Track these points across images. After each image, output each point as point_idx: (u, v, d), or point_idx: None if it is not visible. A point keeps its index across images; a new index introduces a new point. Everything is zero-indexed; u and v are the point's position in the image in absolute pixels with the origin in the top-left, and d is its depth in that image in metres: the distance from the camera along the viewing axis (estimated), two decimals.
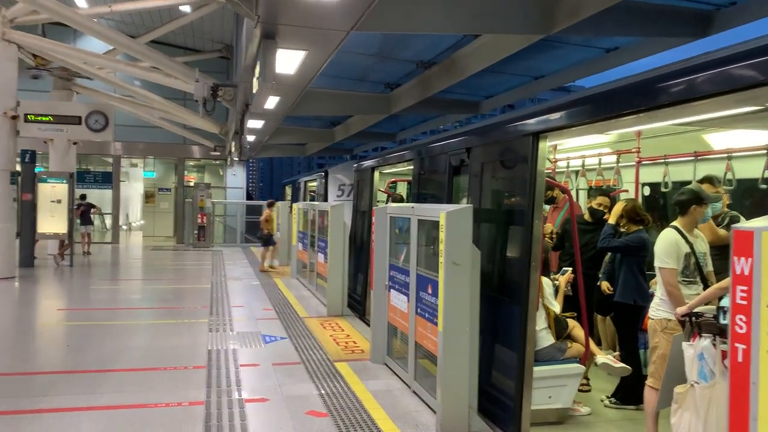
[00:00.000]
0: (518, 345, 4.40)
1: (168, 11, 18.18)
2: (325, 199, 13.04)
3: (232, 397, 5.28)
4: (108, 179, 22.85)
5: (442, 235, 4.47)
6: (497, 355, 4.69)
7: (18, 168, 13.82)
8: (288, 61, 6.49)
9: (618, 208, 5.37)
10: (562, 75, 9.55)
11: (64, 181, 14.91)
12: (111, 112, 13.35)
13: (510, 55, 7.35)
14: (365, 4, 4.90)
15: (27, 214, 14.13)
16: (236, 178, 24.48)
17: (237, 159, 21.40)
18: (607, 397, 5.32)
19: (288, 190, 22.14)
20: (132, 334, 7.93)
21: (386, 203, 9.07)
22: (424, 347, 5.21)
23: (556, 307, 5.22)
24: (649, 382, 4.32)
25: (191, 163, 26.94)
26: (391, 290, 6.16)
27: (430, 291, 4.99)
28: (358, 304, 9.42)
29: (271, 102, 7.76)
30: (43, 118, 12.78)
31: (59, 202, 14.82)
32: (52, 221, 14.78)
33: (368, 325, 8.66)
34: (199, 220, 21.69)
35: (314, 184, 17.02)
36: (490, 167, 5.15)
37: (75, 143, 17.64)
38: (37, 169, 15.08)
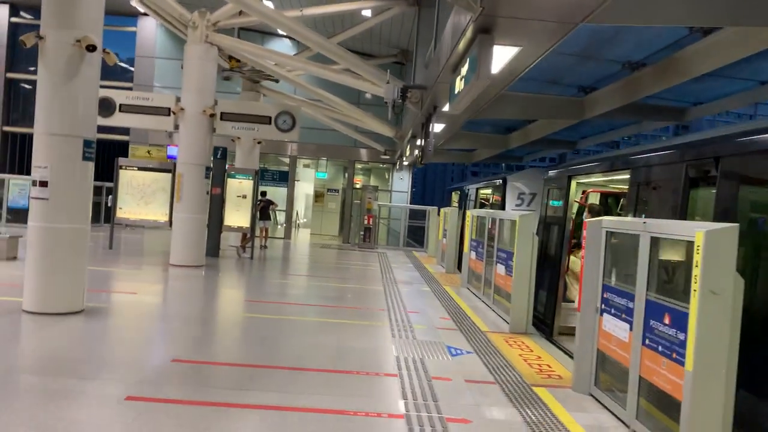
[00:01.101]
0: None
1: (350, 16, 18.67)
2: (503, 208, 12.51)
3: (431, 413, 4.95)
4: (284, 178, 24.00)
5: (697, 258, 3.79)
6: (755, 400, 3.91)
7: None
8: (497, 58, 6.09)
9: None
10: None
11: (250, 178, 15.77)
12: (298, 113, 13.84)
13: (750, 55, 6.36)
14: None
15: (216, 207, 15.10)
16: (402, 182, 24.66)
17: (407, 163, 21.49)
18: None
19: (454, 197, 21.82)
20: (319, 331, 7.96)
21: (583, 215, 8.35)
22: (652, 384, 4.54)
23: None
24: None
25: (359, 166, 27.62)
26: (605, 314, 5.51)
27: (667, 321, 4.31)
28: (542, 323, 8.79)
29: (465, 103, 7.39)
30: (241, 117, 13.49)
31: (245, 197, 15.70)
32: (237, 215, 15.69)
33: (557, 346, 8.05)
34: (366, 222, 22.10)
35: (486, 191, 16.52)
36: (759, 181, 4.36)
37: (259, 142, 18.75)
38: None
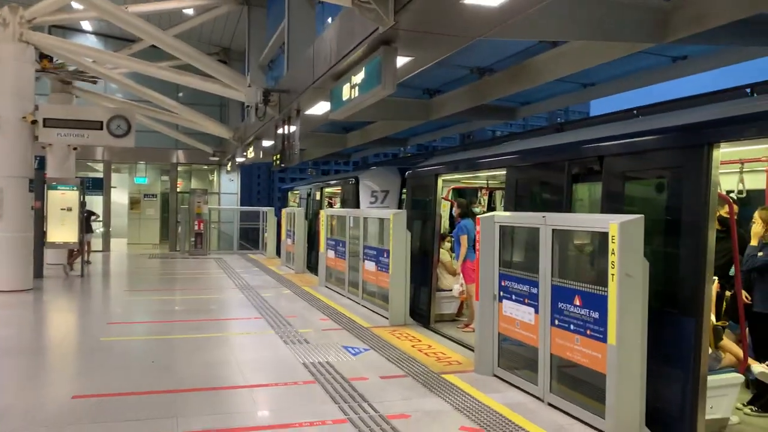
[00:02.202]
0: (692, 358, 4.38)
1: (175, 15, 17.80)
2: (356, 206, 12.86)
3: (369, 412, 5.12)
4: (99, 185, 22.13)
5: (613, 246, 4.41)
6: (664, 368, 4.64)
7: None
8: None
9: (757, 227, 5.41)
10: (615, 84, 9.63)
11: (75, 188, 14.36)
12: (133, 116, 12.90)
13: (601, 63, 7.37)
14: (512, 13, 4.83)
15: (36, 222, 13.54)
16: (232, 183, 24.03)
17: (243, 161, 20.97)
18: (745, 405, 5.36)
19: (291, 197, 21.75)
20: (206, 348, 7.64)
21: (450, 211, 8.96)
22: (561, 359, 5.15)
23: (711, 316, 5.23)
24: None
25: (180, 168, 26.35)
26: (504, 300, 6.08)
27: (578, 303, 4.93)
28: (418, 313, 9.28)
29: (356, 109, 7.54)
30: (68, 124, 12.22)
31: (69, 209, 14.26)
32: (62, 230, 14.22)
33: (439, 334, 8.59)
34: (197, 227, 21.21)
35: (331, 190, 16.75)
36: (640, 176, 5.13)
37: (75, 148, 17.08)
38: None
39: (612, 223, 4.44)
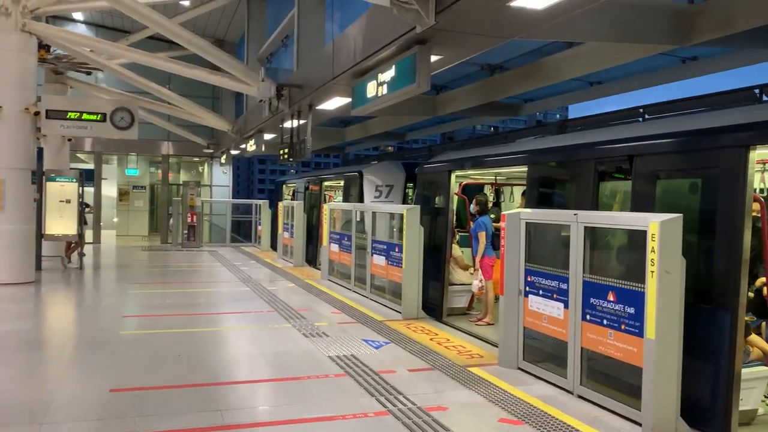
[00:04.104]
0: (727, 351, 4.57)
1: (163, 7, 17.64)
2: (360, 201, 12.94)
3: (407, 405, 5.24)
4: (90, 177, 21.89)
5: (653, 244, 4.57)
6: (699, 361, 4.82)
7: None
8: None
9: None
10: (621, 83, 9.82)
11: (74, 180, 14.25)
12: (135, 108, 12.81)
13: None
14: (553, 15, 4.95)
15: (36, 215, 13.42)
16: (225, 176, 23.92)
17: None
18: (766, 397, 5.57)
19: (286, 190, 21.72)
20: (229, 341, 7.72)
21: (471, 207, 9.09)
22: (596, 353, 5.31)
23: None
24: None
25: (171, 160, 26.15)
26: (530, 296, 6.23)
27: (612, 298, 5.10)
28: (431, 307, 9.41)
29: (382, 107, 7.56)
30: (72, 115, 12.11)
31: (68, 202, 14.16)
32: (60, 222, 14.11)
33: (453, 327, 8.74)
34: (190, 219, 21.11)
35: (331, 184, 16.80)
36: (673, 176, 5.30)
37: (70, 140, 16.91)
38: None
39: (652, 222, 4.60)
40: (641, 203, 5.48)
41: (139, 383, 5.77)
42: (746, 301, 5.49)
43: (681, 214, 4.59)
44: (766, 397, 5.62)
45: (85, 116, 12.25)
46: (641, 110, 8.32)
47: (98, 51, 14.03)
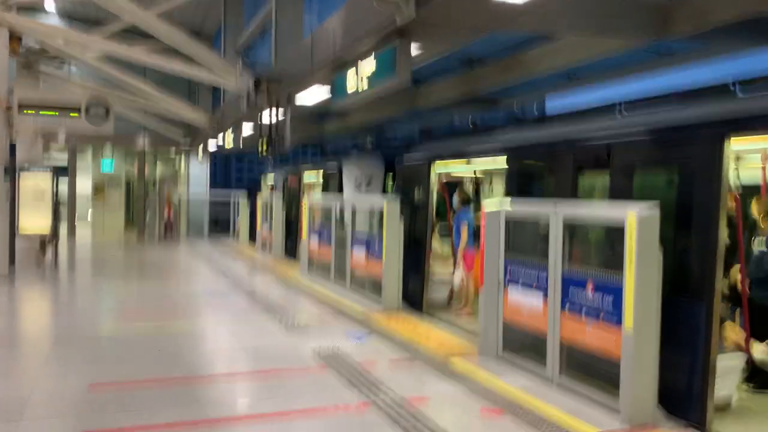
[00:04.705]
0: (703, 340, 4.66)
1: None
2: (339, 193, 12.89)
3: (389, 395, 5.26)
4: (64, 172, 21.54)
5: (631, 237, 4.64)
6: (676, 350, 4.90)
7: None
8: None
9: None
10: (596, 76, 9.88)
11: (48, 170, 14.02)
12: (110, 102, 12.62)
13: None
14: (534, 8, 4.99)
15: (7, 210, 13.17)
16: (201, 169, 23.61)
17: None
18: (742, 383, 5.68)
19: (264, 181, 21.46)
20: (210, 336, 7.69)
21: (453, 199, 9.13)
22: (574, 343, 5.38)
23: None
24: None
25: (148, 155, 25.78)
26: (509, 286, 6.28)
27: (590, 290, 5.16)
28: (410, 300, 9.41)
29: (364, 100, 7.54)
30: (50, 112, 11.89)
31: (42, 196, 13.91)
32: (35, 217, 13.86)
33: (433, 318, 8.77)
34: (167, 214, 20.93)
35: (310, 176, 16.66)
36: (650, 167, 5.38)
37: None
38: None
39: (630, 212, 4.67)
40: (619, 194, 5.54)
41: (118, 378, 5.72)
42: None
43: (657, 203, 4.66)
44: (741, 382, 5.74)
45: (59, 111, 12.01)
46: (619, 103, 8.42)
47: (72, 42, 13.76)
